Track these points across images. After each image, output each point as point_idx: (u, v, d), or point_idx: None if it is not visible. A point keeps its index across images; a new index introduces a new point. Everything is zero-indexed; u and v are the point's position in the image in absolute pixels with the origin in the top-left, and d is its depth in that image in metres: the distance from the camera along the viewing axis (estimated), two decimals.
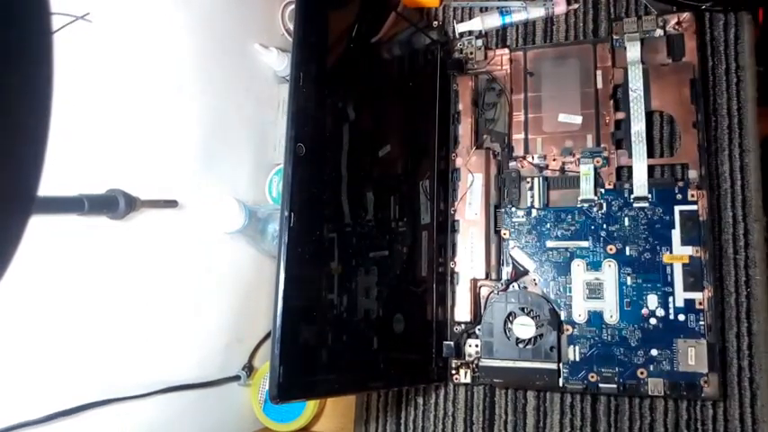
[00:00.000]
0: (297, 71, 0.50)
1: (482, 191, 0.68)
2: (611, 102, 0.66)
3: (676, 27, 0.66)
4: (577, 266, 0.64)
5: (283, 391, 0.45)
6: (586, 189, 0.64)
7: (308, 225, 0.50)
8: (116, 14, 0.52)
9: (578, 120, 0.67)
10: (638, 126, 0.64)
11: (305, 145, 0.49)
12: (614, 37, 0.67)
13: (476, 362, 0.66)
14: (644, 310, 0.61)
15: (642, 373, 0.60)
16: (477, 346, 0.66)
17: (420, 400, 0.69)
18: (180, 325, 0.60)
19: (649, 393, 0.59)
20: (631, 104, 0.65)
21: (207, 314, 0.64)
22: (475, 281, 0.67)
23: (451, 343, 0.66)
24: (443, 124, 0.70)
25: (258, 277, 0.71)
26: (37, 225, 0.41)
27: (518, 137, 0.69)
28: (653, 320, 0.61)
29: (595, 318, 0.62)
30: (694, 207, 0.61)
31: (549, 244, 0.65)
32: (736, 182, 0.63)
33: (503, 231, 0.68)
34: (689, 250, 0.61)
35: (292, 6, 0.74)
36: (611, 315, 0.62)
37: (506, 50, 0.71)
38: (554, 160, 0.67)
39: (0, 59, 0.21)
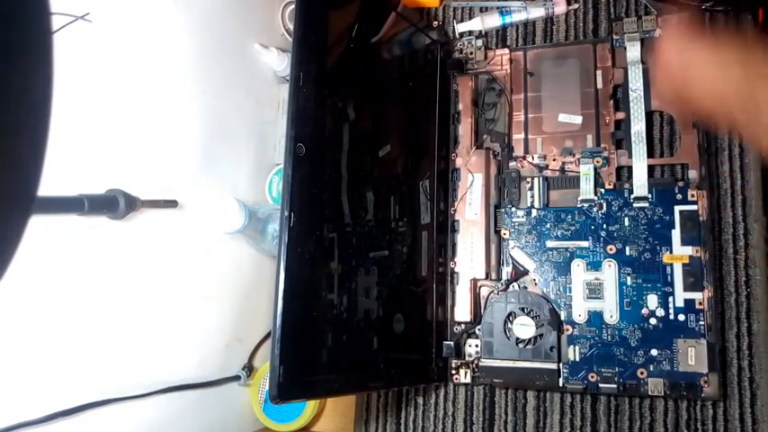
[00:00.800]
0: (297, 71, 0.50)
1: (482, 191, 0.68)
2: (611, 102, 0.66)
3: None
4: (577, 266, 0.64)
5: (283, 391, 0.45)
6: (586, 189, 0.64)
7: (308, 225, 0.50)
8: (116, 14, 0.52)
9: (578, 120, 0.67)
10: (638, 126, 0.64)
11: (305, 145, 0.49)
12: (614, 37, 0.67)
13: (476, 362, 0.66)
14: (644, 310, 0.61)
15: (642, 373, 0.60)
16: (477, 346, 0.66)
17: (420, 400, 0.69)
18: (180, 325, 0.60)
19: (649, 393, 0.59)
20: (631, 104, 0.65)
21: (207, 314, 0.64)
22: (475, 281, 0.67)
23: (451, 343, 0.66)
24: (443, 124, 0.70)
25: (258, 277, 0.71)
26: (37, 225, 0.42)
27: (518, 137, 0.69)
28: (653, 320, 0.61)
29: (595, 318, 0.62)
30: (694, 207, 0.61)
31: (549, 244, 0.65)
32: (736, 182, 0.63)
33: (503, 231, 0.68)
34: (689, 250, 0.61)
35: (292, 6, 0.74)
36: (611, 315, 0.62)
37: (506, 50, 0.71)
38: (554, 160, 0.67)
39: (0, 59, 0.21)
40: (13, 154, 0.22)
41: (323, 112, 0.53)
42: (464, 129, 0.71)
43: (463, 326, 0.67)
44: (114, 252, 0.52)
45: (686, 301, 0.60)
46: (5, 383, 0.44)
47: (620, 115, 0.66)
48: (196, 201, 0.61)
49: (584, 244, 0.64)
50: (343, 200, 0.56)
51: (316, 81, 0.51)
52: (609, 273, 0.63)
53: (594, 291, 0.63)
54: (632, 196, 0.63)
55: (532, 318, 0.63)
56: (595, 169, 0.65)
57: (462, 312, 0.67)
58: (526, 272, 0.66)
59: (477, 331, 0.66)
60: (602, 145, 0.65)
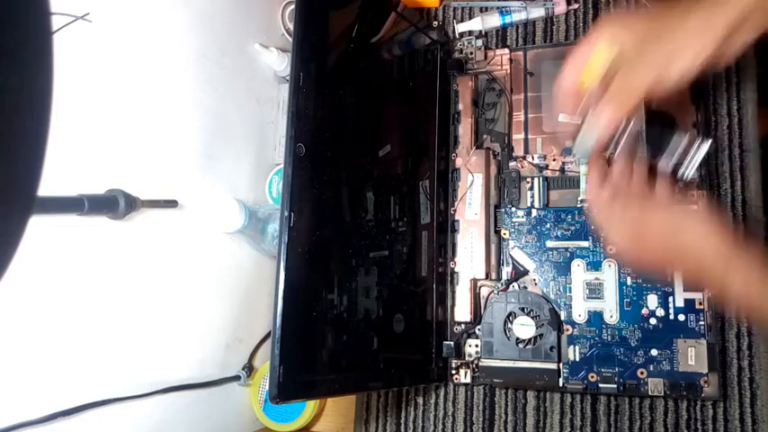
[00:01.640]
0: (297, 71, 0.50)
1: (482, 191, 0.68)
2: None
3: None
4: (577, 266, 0.64)
5: (283, 391, 0.45)
6: (586, 189, 0.64)
7: (308, 225, 0.50)
8: (116, 15, 0.52)
9: (578, 120, 0.67)
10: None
11: (305, 145, 0.49)
12: None
13: (476, 362, 0.66)
14: (644, 310, 0.61)
15: (642, 373, 0.60)
16: (477, 346, 0.66)
17: (420, 400, 0.69)
18: (180, 325, 0.60)
19: (649, 393, 0.59)
20: None
21: (207, 314, 0.64)
22: (475, 281, 0.67)
23: (451, 343, 0.66)
24: (443, 124, 0.70)
25: (258, 277, 0.71)
26: (37, 225, 0.42)
27: (518, 137, 0.69)
28: (653, 320, 0.61)
29: (595, 318, 0.62)
30: (694, 207, 0.61)
31: (549, 244, 0.65)
32: (736, 182, 0.63)
33: (503, 231, 0.68)
34: None
35: (292, 6, 0.74)
36: (611, 315, 0.62)
37: (506, 50, 0.71)
38: (554, 160, 0.67)
39: (0, 59, 0.21)
40: (14, 154, 0.22)
41: (323, 112, 0.53)
42: (464, 129, 0.71)
43: (463, 326, 0.67)
44: (114, 252, 0.52)
45: (686, 301, 0.60)
46: (5, 383, 0.44)
47: None
48: (196, 201, 0.61)
49: (584, 244, 0.64)
50: (344, 200, 0.56)
51: (316, 81, 0.51)
52: (609, 273, 0.63)
53: (594, 291, 0.63)
54: None
55: (532, 318, 0.63)
56: None
57: (462, 312, 0.67)
58: (526, 272, 0.66)
59: (477, 331, 0.66)
60: None
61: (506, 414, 0.66)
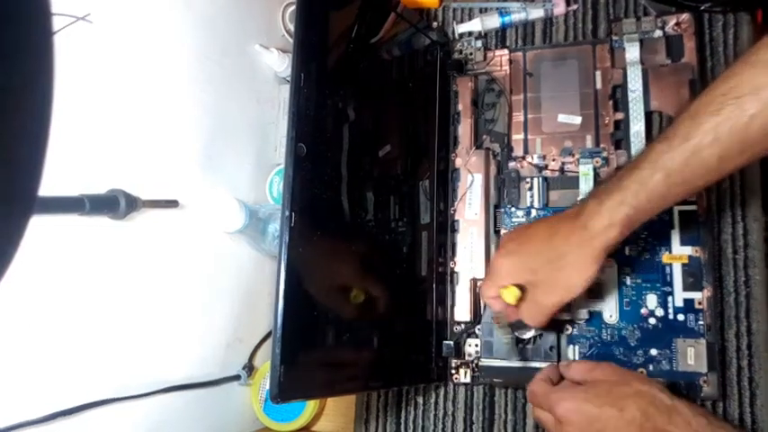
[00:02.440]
0: (297, 72, 0.50)
1: (482, 191, 0.68)
2: (611, 102, 0.66)
3: (675, 28, 0.66)
4: None
5: (284, 390, 0.45)
6: (586, 189, 0.64)
7: (308, 225, 0.50)
8: (117, 15, 0.52)
9: (578, 120, 0.67)
10: (637, 126, 0.64)
11: (305, 145, 0.49)
12: (613, 38, 0.67)
13: (476, 361, 0.66)
14: (643, 310, 0.61)
15: (642, 372, 0.60)
16: (476, 345, 0.66)
17: (420, 400, 0.69)
18: (180, 325, 0.60)
19: None
20: (630, 105, 0.65)
21: (207, 314, 0.64)
22: (475, 281, 0.67)
23: (451, 343, 0.66)
24: (443, 125, 0.70)
25: (258, 277, 0.71)
26: (37, 225, 0.42)
27: (517, 137, 0.69)
28: (652, 320, 0.61)
29: (595, 317, 0.62)
30: (694, 207, 0.61)
31: None
32: (735, 182, 0.63)
33: (503, 231, 0.68)
34: (688, 250, 0.61)
35: (293, 7, 0.74)
36: (611, 315, 0.62)
37: (506, 51, 0.72)
38: (553, 160, 0.67)
39: (0, 60, 0.21)
40: (14, 154, 0.22)
41: (323, 113, 0.53)
42: (464, 129, 0.71)
43: (463, 325, 0.67)
44: (115, 252, 0.52)
45: (686, 300, 0.60)
46: (5, 383, 0.44)
47: (620, 116, 0.66)
48: (197, 201, 0.61)
49: None
50: (344, 200, 0.56)
51: (316, 81, 0.51)
52: (608, 273, 0.63)
53: (594, 291, 0.63)
54: None
55: None
56: (595, 169, 0.65)
57: (462, 312, 0.67)
58: None
59: (476, 331, 0.66)
60: (602, 145, 0.65)
61: (506, 414, 0.66)
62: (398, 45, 0.67)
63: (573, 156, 0.66)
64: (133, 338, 0.55)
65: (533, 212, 0.67)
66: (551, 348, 0.62)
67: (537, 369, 0.62)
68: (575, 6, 0.72)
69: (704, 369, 0.58)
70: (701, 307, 0.59)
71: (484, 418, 0.67)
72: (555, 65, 0.69)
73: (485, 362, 0.64)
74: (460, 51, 0.74)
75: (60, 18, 0.46)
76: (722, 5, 0.64)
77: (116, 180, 0.51)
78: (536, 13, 0.72)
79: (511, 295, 0.54)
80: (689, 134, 0.44)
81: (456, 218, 0.69)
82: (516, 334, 0.60)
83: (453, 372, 0.67)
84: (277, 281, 0.46)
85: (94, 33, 0.49)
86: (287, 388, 0.46)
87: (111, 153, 0.52)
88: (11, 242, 0.23)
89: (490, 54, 0.72)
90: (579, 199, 0.65)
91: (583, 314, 0.62)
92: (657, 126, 0.66)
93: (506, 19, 0.73)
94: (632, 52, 0.66)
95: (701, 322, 0.59)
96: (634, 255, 0.62)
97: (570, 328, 0.63)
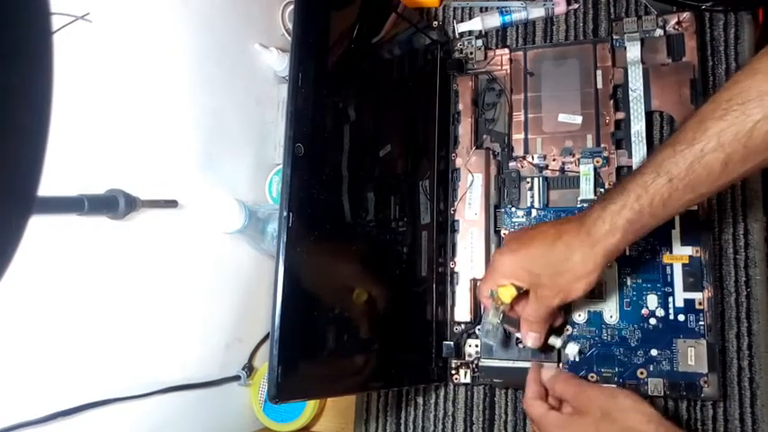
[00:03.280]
0: (296, 71, 0.50)
1: (482, 191, 0.68)
2: (611, 102, 0.66)
3: (676, 27, 0.66)
4: None
5: (282, 391, 0.45)
6: (586, 189, 0.64)
7: (307, 225, 0.50)
8: (116, 15, 0.52)
9: (578, 120, 0.67)
10: (637, 126, 0.64)
11: (304, 145, 0.49)
12: (614, 37, 0.67)
13: (476, 362, 0.66)
14: (644, 311, 0.61)
15: (642, 373, 0.60)
16: (476, 346, 0.66)
17: (420, 400, 0.69)
18: (180, 325, 0.60)
19: (649, 393, 0.59)
20: (631, 104, 0.65)
21: (207, 314, 0.64)
22: (475, 281, 0.67)
23: (451, 343, 0.66)
24: (443, 124, 0.70)
25: (258, 277, 0.71)
26: (37, 225, 0.42)
27: (518, 137, 0.69)
28: (653, 320, 0.61)
29: (595, 318, 0.62)
30: (694, 207, 0.61)
31: None
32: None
33: (503, 231, 0.68)
34: (689, 250, 0.61)
35: (292, 6, 0.74)
36: (611, 315, 0.62)
37: (506, 50, 0.71)
38: (554, 160, 0.67)
39: (0, 59, 0.21)
40: (13, 154, 0.22)
41: (322, 113, 0.53)
42: (464, 129, 0.71)
43: (463, 326, 0.67)
44: (114, 252, 0.52)
45: (686, 301, 0.60)
46: (5, 383, 0.44)
47: (620, 115, 0.66)
48: (196, 201, 0.61)
49: None
50: (343, 200, 0.56)
51: (315, 81, 0.51)
52: (609, 273, 0.62)
53: (594, 291, 0.62)
54: None
55: None
56: (595, 169, 0.65)
57: (462, 312, 0.67)
58: None
59: (476, 331, 0.66)
60: (602, 145, 0.65)
61: (506, 414, 0.66)
62: (398, 44, 0.67)
63: (573, 155, 0.66)
64: (133, 338, 0.54)
65: (533, 212, 0.67)
66: (551, 348, 0.62)
67: None
68: (575, 5, 0.72)
69: (705, 369, 0.58)
70: (701, 307, 0.59)
71: (484, 419, 0.67)
72: (556, 64, 0.69)
73: (485, 362, 0.64)
74: (461, 51, 0.73)
75: (59, 17, 0.46)
76: (723, 5, 0.64)
77: (115, 180, 0.51)
78: (537, 12, 0.72)
79: (508, 294, 0.54)
80: (693, 139, 0.44)
81: (456, 218, 0.68)
82: (505, 326, 0.59)
83: (453, 372, 0.67)
84: (275, 281, 0.46)
85: (93, 33, 0.49)
86: (285, 389, 0.46)
87: (111, 153, 0.52)
88: (10, 242, 0.23)
89: (491, 53, 0.72)
90: (579, 198, 0.65)
91: (583, 314, 0.62)
92: (658, 126, 0.66)
93: (507, 18, 0.73)
94: (633, 51, 0.66)
95: (701, 323, 0.59)
96: (634, 255, 0.62)
97: (570, 328, 0.63)
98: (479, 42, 0.73)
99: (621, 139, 0.66)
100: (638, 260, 0.62)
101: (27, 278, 0.45)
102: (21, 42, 0.22)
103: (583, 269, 0.50)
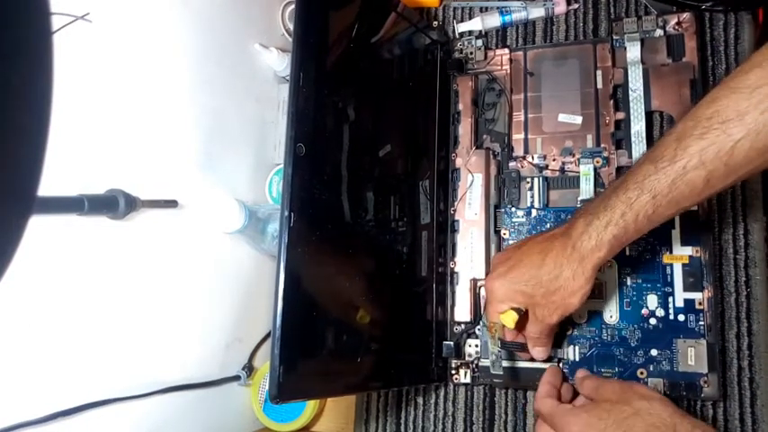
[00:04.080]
0: (297, 71, 0.50)
1: (482, 191, 0.68)
2: (611, 102, 0.66)
3: (676, 27, 0.66)
4: None
5: (283, 391, 0.45)
6: (586, 189, 0.64)
7: (308, 225, 0.50)
8: (116, 14, 0.52)
9: (578, 120, 0.67)
10: (638, 126, 0.64)
11: (305, 145, 0.49)
12: (614, 37, 0.67)
13: (476, 362, 0.66)
14: (644, 311, 0.61)
15: (642, 373, 0.60)
16: (476, 346, 0.66)
17: (420, 400, 0.69)
18: (180, 325, 0.60)
19: None
20: (631, 104, 0.65)
21: (207, 314, 0.64)
22: (475, 281, 0.67)
23: (451, 343, 0.66)
24: (443, 124, 0.70)
25: (258, 277, 0.71)
26: (37, 225, 0.42)
27: (518, 137, 0.69)
28: (653, 320, 0.61)
29: (595, 318, 0.62)
30: (694, 207, 0.61)
31: None
32: None
33: (503, 231, 0.68)
34: (689, 250, 0.61)
35: (292, 6, 0.74)
36: (611, 315, 0.62)
37: (506, 50, 0.71)
38: (554, 160, 0.67)
39: (0, 59, 0.21)
40: (13, 154, 0.22)
41: (323, 112, 0.53)
42: (464, 129, 0.71)
43: (463, 326, 0.67)
44: (114, 252, 0.52)
45: (686, 301, 0.60)
46: (5, 383, 0.44)
47: (620, 115, 0.66)
48: (196, 201, 0.61)
49: None
50: (344, 200, 0.56)
51: (316, 81, 0.51)
52: (609, 273, 0.62)
53: (594, 291, 0.62)
54: None
55: None
56: (595, 169, 0.64)
57: (462, 312, 0.67)
58: None
59: (476, 331, 0.66)
60: (602, 145, 0.65)
61: (506, 414, 0.66)
62: (398, 44, 0.67)
63: (573, 155, 0.66)
64: (133, 338, 0.54)
65: (533, 212, 0.67)
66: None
67: (537, 369, 0.62)
68: (575, 5, 0.72)
69: (705, 369, 0.58)
70: (701, 307, 0.59)
71: (484, 419, 0.67)
72: (556, 64, 0.69)
73: (485, 362, 0.64)
74: (461, 50, 0.73)
75: (59, 17, 0.46)
76: (723, 5, 0.64)
77: (115, 180, 0.51)
78: (537, 12, 0.72)
79: (509, 319, 0.55)
80: (675, 156, 0.45)
81: (456, 218, 0.68)
82: (508, 350, 0.61)
83: (453, 372, 0.67)
84: (276, 281, 0.46)
85: (93, 33, 0.49)
86: (286, 388, 0.46)
87: (111, 153, 0.52)
88: (10, 242, 0.23)
89: (491, 53, 0.72)
90: (579, 198, 0.65)
91: (583, 315, 0.62)
92: (658, 126, 0.66)
93: (507, 18, 0.73)
94: (633, 52, 0.66)
95: (701, 323, 0.59)
96: (634, 255, 0.62)
97: (570, 329, 0.63)
98: (479, 42, 0.73)
99: (621, 140, 0.66)
100: (638, 260, 0.62)
101: (27, 278, 0.45)
102: (21, 42, 0.22)
103: (575, 284, 0.51)
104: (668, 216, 0.47)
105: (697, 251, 0.60)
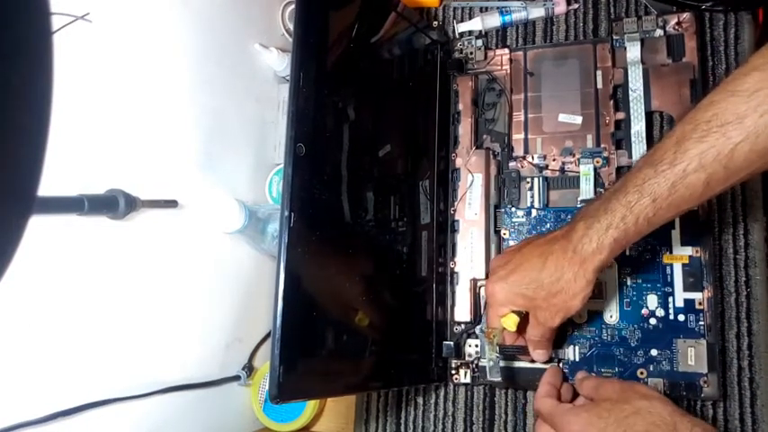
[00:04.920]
0: (297, 71, 0.50)
1: (482, 191, 0.68)
2: (611, 102, 0.66)
3: (676, 27, 0.66)
4: None
5: (283, 391, 0.45)
6: (586, 189, 0.64)
7: (308, 225, 0.50)
8: (116, 14, 0.52)
9: (578, 120, 0.67)
10: (638, 126, 0.64)
11: (305, 145, 0.49)
12: (614, 37, 0.67)
13: (475, 362, 0.66)
14: (644, 311, 0.61)
15: (642, 373, 0.60)
16: (476, 346, 0.66)
17: (420, 400, 0.69)
18: (180, 325, 0.60)
19: None
20: (631, 104, 0.65)
21: (207, 314, 0.64)
22: (475, 281, 0.67)
23: (451, 343, 0.66)
24: (443, 124, 0.70)
25: (258, 277, 0.71)
26: (37, 225, 0.42)
27: (518, 137, 0.69)
28: (653, 320, 0.61)
29: (595, 318, 0.62)
30: (694, 207, 0.61)
31: None
32: None
33: (503, 231, 0.68)
34: (689, 250, 0.61)
35: (292, 6, 0.74)
36: (611, 315, 0.62)
37: (506, 50, 0.71)
38: (554, 160, 0.67)
39: (0, 59, 0.21)
40: (13, 154, 0.22)
41: (323, 112, 0.53)
42: (464, 129, 0.71)
43: (463, 326, 0.67)
44: (114, 252, 0.52)
45: (686, 301, 0.60)
46: (5, 383, 0.44)
47: (620, 115, 0.66)
48: (196, 201, 0.61)
49: None
50: (344, 200, 0.56)
51: (316, 81, 0.51)
52: (609, 273, 0.62)
53: (594, 291, 0.62)
54: None
55: None
56: (595, 169, 0.65)
57: (462, 312, 0.67)
58: None
59: (476, 331, 0.66)
60: (602, 145, 0.65)
61: (506, 414, 0.66)
62: (398, 44, 0.67)
63: (573, 155, 0.66)
64: (133, 338, 0.54)
65: (533, 212, 0.67)
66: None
67: (537, 370, 0.62)
68: (575, 5, 0.72)
69: (705, 369, 0.58)
70: (701, 307, 0.59)
71: (484, 419, 0.67)
72: (556, 64, 0.69)
73: (485, 362, 0.64)
74: (461, 50, 0.73)
75: (59, 17, 0.46)
76: (723, 5, 0.64)
77: (115, 180, 0.51)
78: (537, 12, 0.72)
79: (511, 322, 0.55)
80: (674, 160, 0.45)
81: (456, 218, 0.68)
82: (509, 354, 0.61)
83: (453, 372, 0.67)
84: (276, 281, 0.46)
85: (93, 33, 0.49)
86: (286, 388, 0.46)
87: (110, 153, 0.52)
88: (10, 242, 0.23)
89: (491, 53, 0.72)
90: (579, 198, 0.65)
91: (583, 315, 0.62)
92: (658, 126, 0.66)
93: (507, 18, 0.73)
94: (633, 52, 0.66)
95: (701, 323, 0.59)
96: (634, 255, 0.62)
97: (570, 329, 0.63)
98: (479, 42, 0.73)
99: (621, 140, 0.66)
100: (638, 260, 0.62)
101: (27, 278, 0.45)
102: (21, 42, 0.22)
103: (576, 287, 0.51)
104: (668, 218, 0.48)
105: (697, 251, 0.60)
